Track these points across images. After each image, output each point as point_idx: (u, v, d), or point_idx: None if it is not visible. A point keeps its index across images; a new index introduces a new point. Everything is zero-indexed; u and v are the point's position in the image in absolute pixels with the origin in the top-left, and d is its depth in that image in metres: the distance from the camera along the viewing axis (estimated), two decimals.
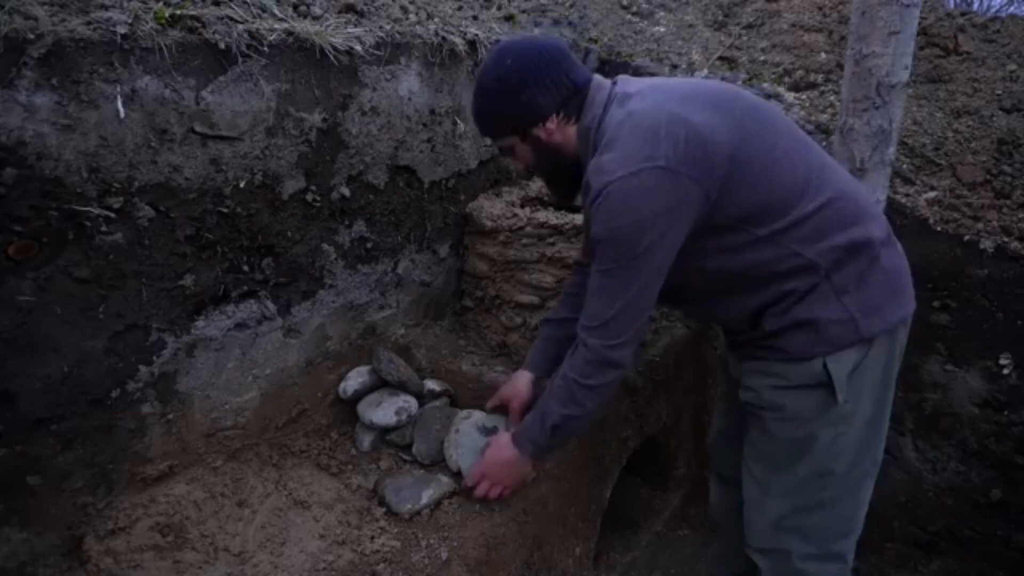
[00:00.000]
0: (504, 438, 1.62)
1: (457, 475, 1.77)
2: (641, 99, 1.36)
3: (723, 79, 2.64)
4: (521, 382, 1.76)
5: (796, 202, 1.34)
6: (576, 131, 1.45)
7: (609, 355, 1.40)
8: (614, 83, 1.44)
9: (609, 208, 1.29)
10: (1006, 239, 2.12)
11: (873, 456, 1.50)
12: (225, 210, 1.61)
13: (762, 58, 3.13)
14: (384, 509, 1.68)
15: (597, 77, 1.46)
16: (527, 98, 1.41)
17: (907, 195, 2.33)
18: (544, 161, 1.53)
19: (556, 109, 1.42)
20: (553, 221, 2.04)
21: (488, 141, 1.93)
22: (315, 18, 1.78)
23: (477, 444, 1.75)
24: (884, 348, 1.42)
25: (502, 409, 1.81)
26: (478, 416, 1.85)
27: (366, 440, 1.92)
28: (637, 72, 2.61)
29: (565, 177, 1.55)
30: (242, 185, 1.63)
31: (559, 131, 1.45)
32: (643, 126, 1.30)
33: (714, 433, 1.89)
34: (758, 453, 1.56)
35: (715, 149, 1.28)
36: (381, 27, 1.89)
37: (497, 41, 2.21)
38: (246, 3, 1.63)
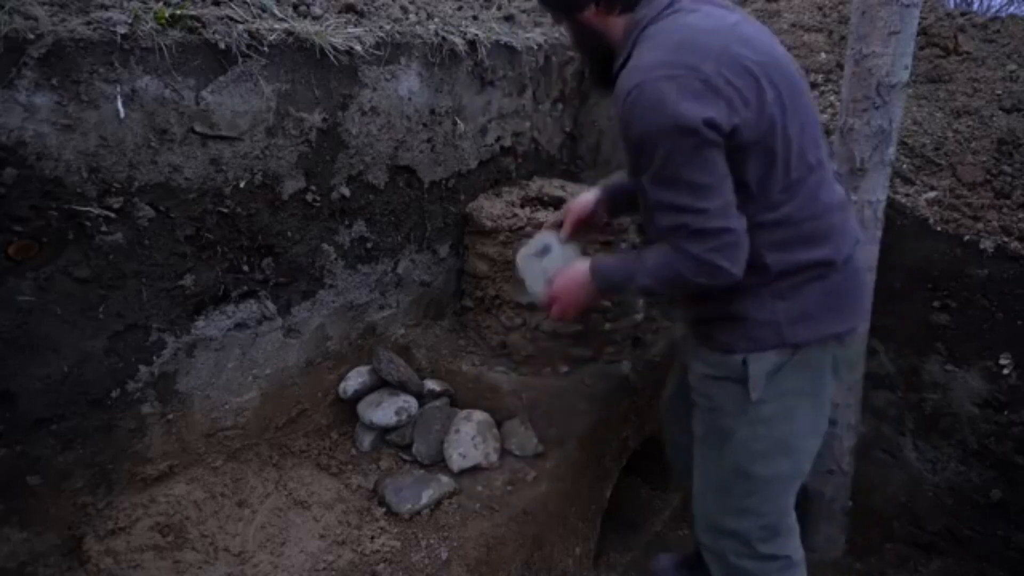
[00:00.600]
0: (580, 267, 1.56)
1: (457, 475, 1.79)
2: (704, 18, 1.30)
3: None
4: (587, 197, 1.77)
5: (794, 195, 1.34)
6: (623, 24, 1.40)
7: (719, 262, 1.28)
8: None
9: (642, 104, 1.22)
10: (1006, 239, 2.12)
11: (798, 467, 1.52)
12: (225, 210, 1.61)
13: None
14: (384, 509, 1.69)
15: None
16: None
17: (907, 195, 2.33)
18: (582, 41, 1.53)
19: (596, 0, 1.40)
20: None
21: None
22: (315, 18, 1.78)
23: (541, 269, 1.75)
24: (812, 360, 1.42)
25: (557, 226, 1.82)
26: (525, 247, 1.83)
27: (366, 440, 1.92)
28: None
29: (600, 64, 1.50)
30: (242, 185, 1.63)
31: (600, 20, 1.42)
32: (698, 42, 1.24)
33: (666, 397, 1.93)
34: (697, 439, 1.60)
35: (763, 95, 1.25)
36: (381, 27, 1.88)
37: (497, 41, 2.21)
38: (246, 3, 1.63)
